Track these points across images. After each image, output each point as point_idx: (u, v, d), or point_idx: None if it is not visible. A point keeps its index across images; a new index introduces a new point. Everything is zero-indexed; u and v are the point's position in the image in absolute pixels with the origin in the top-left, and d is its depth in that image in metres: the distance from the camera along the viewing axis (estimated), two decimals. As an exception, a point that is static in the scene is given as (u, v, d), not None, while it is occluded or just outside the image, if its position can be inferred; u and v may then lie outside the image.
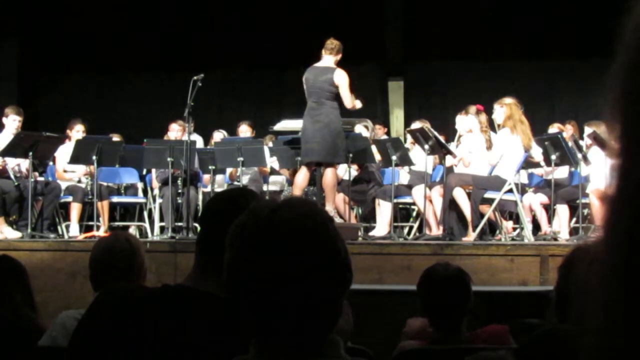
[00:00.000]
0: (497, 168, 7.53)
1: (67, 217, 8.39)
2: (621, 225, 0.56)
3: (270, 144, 9.23)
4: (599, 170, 7.46)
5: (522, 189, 7.77)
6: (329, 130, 7.16)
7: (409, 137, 8.90)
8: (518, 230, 7.91)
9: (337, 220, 7.32)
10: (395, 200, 8.12)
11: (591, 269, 0.58)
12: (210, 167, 8.63)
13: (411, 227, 8.93)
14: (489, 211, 7.43)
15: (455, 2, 12.03)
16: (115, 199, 9.04)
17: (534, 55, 12.02)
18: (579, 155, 7.68)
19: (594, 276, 0.58)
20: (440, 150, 7.91)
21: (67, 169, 8.62)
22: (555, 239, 7.34)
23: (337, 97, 7.23)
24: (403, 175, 8.86)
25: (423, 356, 2.90)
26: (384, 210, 8.24)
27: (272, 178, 9.34)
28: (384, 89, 12.69)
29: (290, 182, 9.17)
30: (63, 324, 2.96)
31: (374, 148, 8.38)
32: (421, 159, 8.15)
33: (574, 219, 7.95)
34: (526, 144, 7.46)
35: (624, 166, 0.57)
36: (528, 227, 7.63)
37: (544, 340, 2.15)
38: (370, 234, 8.22)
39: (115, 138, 9.09)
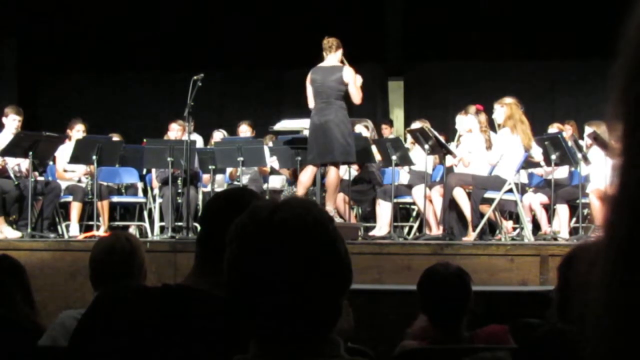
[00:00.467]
0: (497, 168, 7.53)
1: (67, 217, 8.39)
2: (622, 224, 0.56)
3: (270, 144, 9.23)
4: (599, 170, 7.46)
5: (522, 189, 7.77)
6: (340, 130, 7.15)
7: (409, 137, 8.91)
8: (518, 230, 7.91)
9: (337, 220, 7.31)
10: (395, 200, 8.12)
11: (591, 268, 0.58)
12: (210, 167, 8.63)
13: (411, 227, 8.93)
14: (489, 211, 7.43)
15: (456, 2, 12.03)
16: (115, 199, 9.04)
17: (534, 55, 12.03)
18: (579, 155, 7.68)
19: (594, 276, 0.58)
20: (440, 150, 7.91)
21: (67, 169, 8.62)
22: (555, 239, 7.34)
23: (344, 97, 7.24)
24: (403, 175, 8.87)
25: (423, 356, 2.90)
26: (384, 210, 8.24)
27: (272, 178, 9.34)
28: (384, 89, 12.70)
29: (290, 182, 9.17)
30: (63, 323, 2.96)
31: (374, 148, 8.38)
32: (421, 158, 8.15)
33: (574, 219, 7.96)
34: (526, 144, 7.46)
35: (626, 166, 0.57)
36: (528, 227, 7.63)
37: (544, 340, 2.15)
38: (370, 234, 8.22)
39: (115, 138, 9.09)
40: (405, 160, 8.29)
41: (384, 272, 6.14)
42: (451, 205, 7.50)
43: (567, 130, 8.86)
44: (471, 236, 7.26)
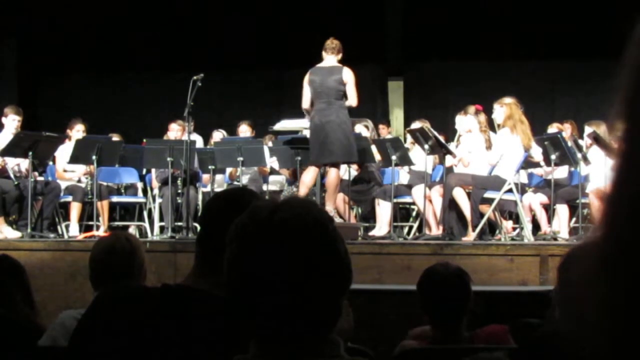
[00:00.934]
0: (497, 168, 7.53)
1: (66, 217, 8.39)
2: (622, 224, 0.56)
3: (270, 144, 9.22)
4: (598, 170, 7.46)
5: (522, 189, 7.77)
6: (342, 130, 7.18)
7: (409, 137, 8.91)
8: (518, 230, 7.91)
9: (337, 220, 7.32)
10: (395, 200, 8.12)
11: (591, 268, 0.58)
12: (210, 167, 8.63)
13: (411, 227, 8.93)
14: (488, 211, 7.43)
15: (455, 2, 12.03)
16: (115, 199, 9.04)
17: (534, 55, 12.02)
18: (579, 155, 7.68)
19: (593, 275, 0.58)
20: (440, 150, 7.91)
21: (67, 169, 8.62)
22: (555, 239, 7.34)
23: (344, 97, 7.26)
24: (403, 175, 8.87)
25: (423, 356, 2.90)
26: (383, 210, 8.24)
27: (272, 178, 9.34)
28: (384, 89, 12.70)
29: (290, 182, 9.17)
30: (63, 323, 2.96)
31: (373, 148, 8.38)
32: (421, 158, 8.15)
33: (574, 219, 7.95)
34: (526, 144, 7.46)
35: (626, 165, 0.57)
36: (528, 227, 7.63)
37: (544, 340, 2.15)
38: (370, 233, 8.22)
39: (115, 138, 9.09)
40: (405, 160, 8.30)
41: (383, 272, 6.14)
42: (451, 205, 7.50)
43: (566, 130, 8.86)
44: (471, 236, 7.26)
